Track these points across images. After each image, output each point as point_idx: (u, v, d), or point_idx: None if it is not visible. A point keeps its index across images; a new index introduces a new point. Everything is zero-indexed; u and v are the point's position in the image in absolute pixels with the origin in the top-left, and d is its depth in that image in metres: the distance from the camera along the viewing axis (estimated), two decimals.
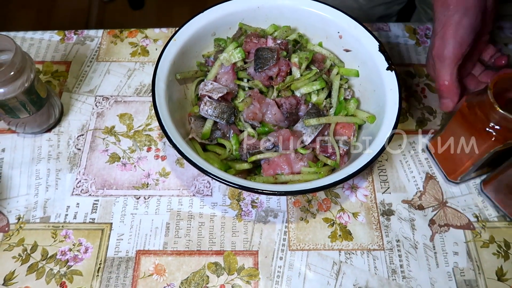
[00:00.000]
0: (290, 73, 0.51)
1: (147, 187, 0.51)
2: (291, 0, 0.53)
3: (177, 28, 0.51)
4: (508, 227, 0.48)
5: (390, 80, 0.47)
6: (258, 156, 0.47)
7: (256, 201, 0.50)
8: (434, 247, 0.47)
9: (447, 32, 0.45)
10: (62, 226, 0.48)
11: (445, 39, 0.45)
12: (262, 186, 0.41)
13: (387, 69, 0.48)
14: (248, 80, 0.51)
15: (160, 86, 0.47)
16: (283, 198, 0.50)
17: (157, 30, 0.64)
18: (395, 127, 0.44)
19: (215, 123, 0.50)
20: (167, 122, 0.44)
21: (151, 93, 0.57)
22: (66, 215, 0.49)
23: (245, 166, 0.47)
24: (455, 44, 0.44)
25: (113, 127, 0.55)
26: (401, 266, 0.46)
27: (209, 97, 0.49)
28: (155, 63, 0.48)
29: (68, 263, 0.46)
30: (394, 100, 0.46)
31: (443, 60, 0.46)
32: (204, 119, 0.50)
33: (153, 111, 0.56)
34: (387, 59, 0.48)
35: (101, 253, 0.47)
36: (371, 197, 0.51)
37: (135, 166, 0.52)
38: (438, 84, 0.47)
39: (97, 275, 0.45)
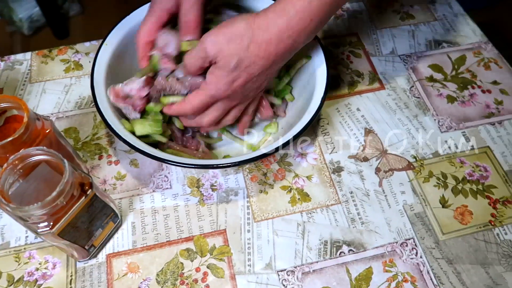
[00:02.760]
0: None
1: (106, 192, 0.51)
2: None
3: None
4: (441, 161, 0.54)
5: (315, 49, 0.51)
6: (171, 99, 0.47)
7: (215, 184, 0.52)
8: (383, 191, 0.52)
9: None
10: (24, 249, 0.47)
11: None
12: (210, 161, 0.44)
13: (313, 43, 0.52)
14: None
15: (100, 90, 0.48)
16: (240, 176, 0.53)
17: (87, 44, 0.65)
18: (326, 90, 0.48)
19: None
20: (111, 120, 0.45)
21: (93, 103, 0.57)
22: (26, 236, 0.48)
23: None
24: None
25: None
26: (358, 214, 0.50)
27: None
28: (90, 70, 0.49)
29: (38, 282, 0.45)
30: (322, 65, 0.50)
31: None
32: None
33: (98, 120, 0.57)
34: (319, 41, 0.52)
35: (70, 265, 0.46)
36: (320, 159, 0.54)
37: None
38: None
39: (71, 287, 0.45)
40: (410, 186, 0.52)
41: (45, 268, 0.46)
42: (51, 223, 0.37)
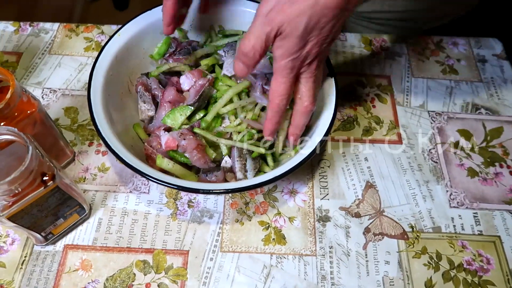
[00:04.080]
0: None
1: (84, 181, 0.50)
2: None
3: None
4: (441, 239, 0.48)
5: (329, 86, 0.47)
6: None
7: (193, 200, 0.50)
8: (366, 255, 0.47)
9: None
10: None
11: None
12: (180, 182, 0.41)
13: (328, 75, 0.48)
14: None
15: (98, 80, 0.47)
16: (221, 199, 0.50)
17: (114, 27, 0.64)
18: (327, 133, 0.44)
19: None
20: (99, 117, 0.44)
21: None
22: None
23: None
24: None
25: (57, 119, 0.55)
26: (331, 272, 0.46)
27: None
28: (96, 57, 0.48)
29: None
30: (331, 105, 0.46)
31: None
32: None
33: None
34: (328, 66, 0.49)
35: (27, 245, 0.46)
36: (309, 202, 0.50)
37: (73, 159, 0.52)
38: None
39: (21, 268, 0.45)
40: (397, 257, 0.47)
41: (3, 242, 0.46)
42: (2, 206, 0.37)
